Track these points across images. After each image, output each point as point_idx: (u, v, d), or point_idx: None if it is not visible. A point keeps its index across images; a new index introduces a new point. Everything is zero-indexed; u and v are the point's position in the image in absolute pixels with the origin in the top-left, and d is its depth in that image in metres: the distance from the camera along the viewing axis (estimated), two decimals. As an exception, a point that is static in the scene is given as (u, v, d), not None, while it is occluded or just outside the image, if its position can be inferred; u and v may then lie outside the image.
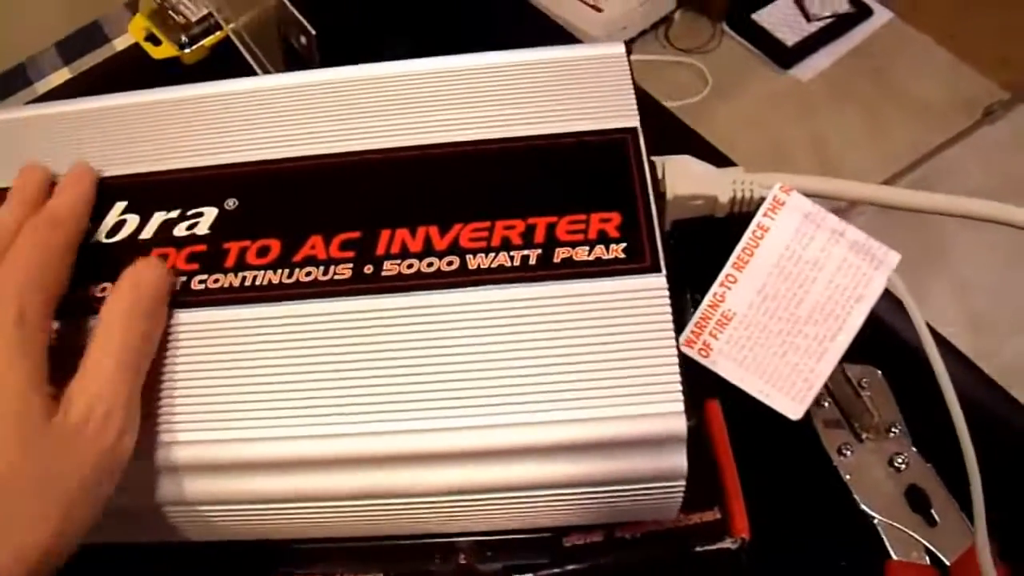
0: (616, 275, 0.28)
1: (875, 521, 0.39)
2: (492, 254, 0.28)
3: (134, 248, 0.30)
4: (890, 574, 0.38)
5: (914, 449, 0.40)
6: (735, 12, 1.06)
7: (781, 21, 1.05)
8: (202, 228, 0.30)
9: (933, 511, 0.39)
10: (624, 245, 0.28)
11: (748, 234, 0.32)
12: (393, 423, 0.26)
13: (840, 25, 1.05)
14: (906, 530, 0.38)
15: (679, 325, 0.31)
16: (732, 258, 0.32)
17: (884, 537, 0.38)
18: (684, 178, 0.32)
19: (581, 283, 0.28)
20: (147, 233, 0.30)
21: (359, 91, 0.33)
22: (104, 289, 0.29)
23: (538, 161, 0.30)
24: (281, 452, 0.27)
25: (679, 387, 0.26)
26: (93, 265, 0.30)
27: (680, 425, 0.26)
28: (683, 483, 0.27)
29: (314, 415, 0.26)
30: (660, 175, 0.32)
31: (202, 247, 0.30)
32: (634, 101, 0.31)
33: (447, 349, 0.27)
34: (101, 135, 0.33)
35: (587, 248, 0.28)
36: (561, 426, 0.26)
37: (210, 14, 0.55)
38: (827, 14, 1.04)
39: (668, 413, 0.26)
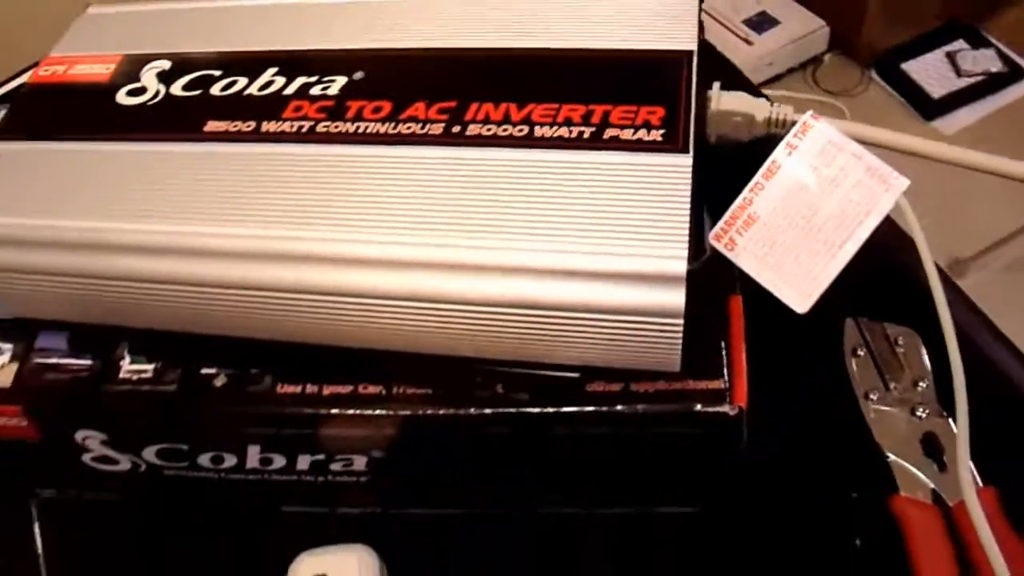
0: (652, 152, 0.35)
1: (889, 459, 0.44)
2: (555, 127, 0.36)
3: (278, 100, 0.40)
4: (895, 507, 0.43)
5: (937, 405, 0.45)
6: (885, 59, 1.11)
7: (930, 73, 1.09)
8: (332, 90, 0.40)
9: (945, 458, 0.44)
10: (663, 131, 0.36)
11: (778, 149, 0.39)
12: (458, 238, 0.35)
13: (990, 84, 1.08)
14: (916, 471, 0.44)
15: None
16: (762, 169, 0.39)
17: (895, 474, 0.44)
18: (731, 99, 0.39)
19: (622, 154, 0.35)
20: (289, 90, 0.40)
21: (471, 4, 0.43)
22: (248, 126, 0.40)
23: (607, 65, 0.38)
24: (373, 253, 0.35)
25: (686, 238, 0.33)
26: (244, 109, 0.40)
27: (680, 267, 0.33)
28: (680, 322, 0.34)
29: (393, 225, 0.35)
30: (711, 95, 0.40)
31: (330, 103, 0.39)
32: (696, 31, 0.39)
33: (508, 189, 0.35)
34: (266, 21, 0.44)
35: (632, 131, 0.36)
36: (589, 257, 0.33)
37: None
38: (978, 71, 1.08)
39: (673, 256, 0.33)
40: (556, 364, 0.37)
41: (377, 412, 0.38)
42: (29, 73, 0.47)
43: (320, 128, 0.38)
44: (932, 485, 0.43)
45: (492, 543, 0.46)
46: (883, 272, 0.46)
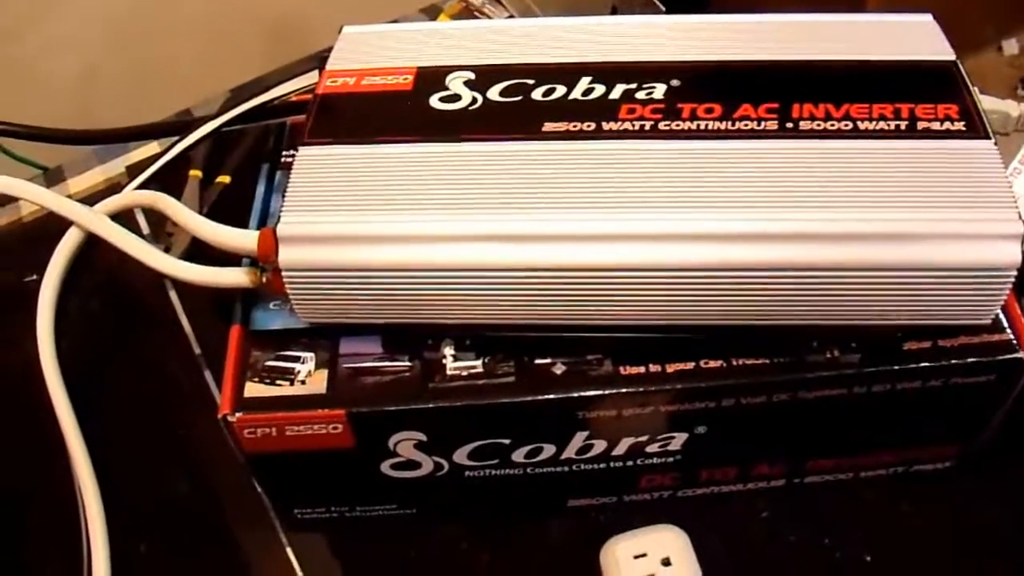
0: (960, 138, 0.49)
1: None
2: (874, 122, 0.49)
3: (607, 103, 0.52)
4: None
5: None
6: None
7: None
8: (657, 95, 0.51)
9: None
10: (964, 123, 0.49)
11: (1029, 140, 0.57)
12: (812, 212, 0.47)
13: None
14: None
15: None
16: (1018, 155, 0.57)
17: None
18: (988, 100, 0.57)
19: (937, 141, 0.48)
20: (614, 95, 0.52)
21: (756, 23, 0.58)
22: (588, 126, 0.53)
23: (893, 72, 0.52)
24: (730, 228, 0.47)
25: (1014, 202, 0.49)
26: (578, 111, 0.52)
27: (1018, 226, 0.48)
28: (1014, 275, 0.49)
29: (748, 204, 0.48)
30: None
31: (661, 105, 0.50)
32: (948, 46, 0.57)
33: (849, 170, 0.47)
34: (543, 38, 0.58)
35: (939, 123, 0.50)
36: (930, 222, 0.46)
37: (511, 17, 0.79)
38: None
39: (1008, 219, 0.46)
40: (880, 326, 0.52)
41: (723, 383, 0.51)
42: (301, 84, 0.59)
43: (662, 126, 0.50)
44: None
45: (769, 515, 0.60)
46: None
